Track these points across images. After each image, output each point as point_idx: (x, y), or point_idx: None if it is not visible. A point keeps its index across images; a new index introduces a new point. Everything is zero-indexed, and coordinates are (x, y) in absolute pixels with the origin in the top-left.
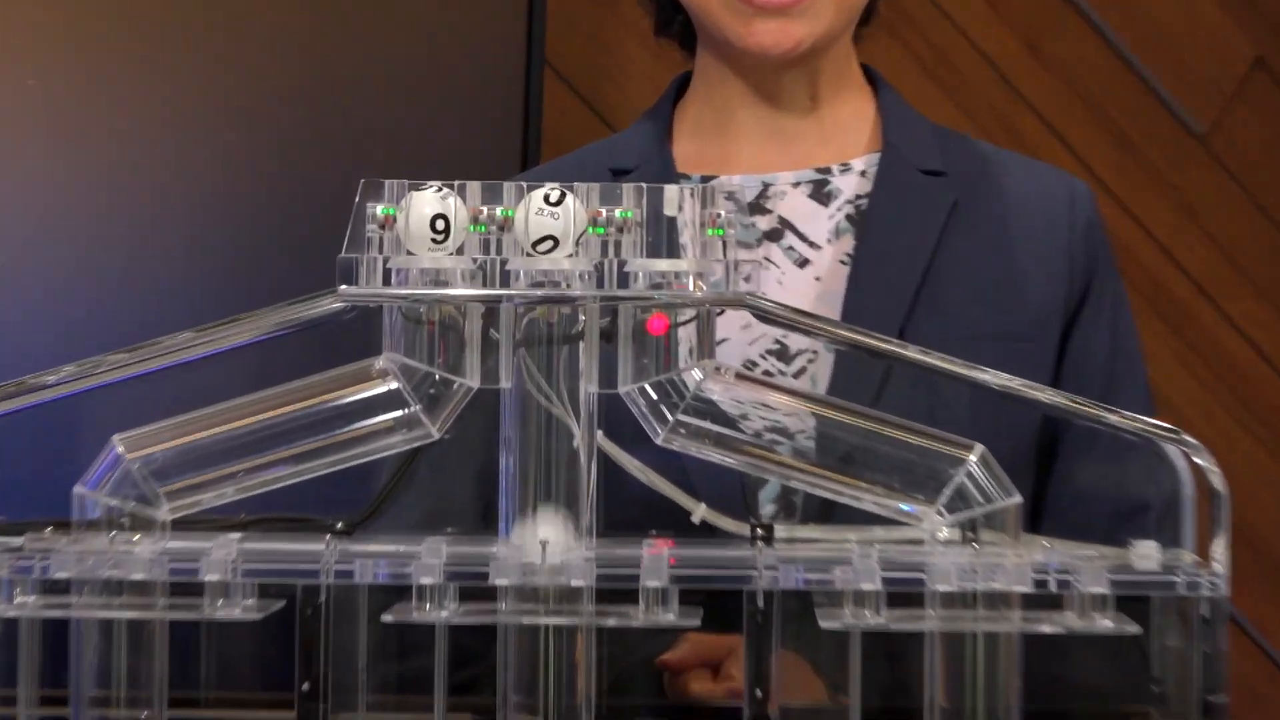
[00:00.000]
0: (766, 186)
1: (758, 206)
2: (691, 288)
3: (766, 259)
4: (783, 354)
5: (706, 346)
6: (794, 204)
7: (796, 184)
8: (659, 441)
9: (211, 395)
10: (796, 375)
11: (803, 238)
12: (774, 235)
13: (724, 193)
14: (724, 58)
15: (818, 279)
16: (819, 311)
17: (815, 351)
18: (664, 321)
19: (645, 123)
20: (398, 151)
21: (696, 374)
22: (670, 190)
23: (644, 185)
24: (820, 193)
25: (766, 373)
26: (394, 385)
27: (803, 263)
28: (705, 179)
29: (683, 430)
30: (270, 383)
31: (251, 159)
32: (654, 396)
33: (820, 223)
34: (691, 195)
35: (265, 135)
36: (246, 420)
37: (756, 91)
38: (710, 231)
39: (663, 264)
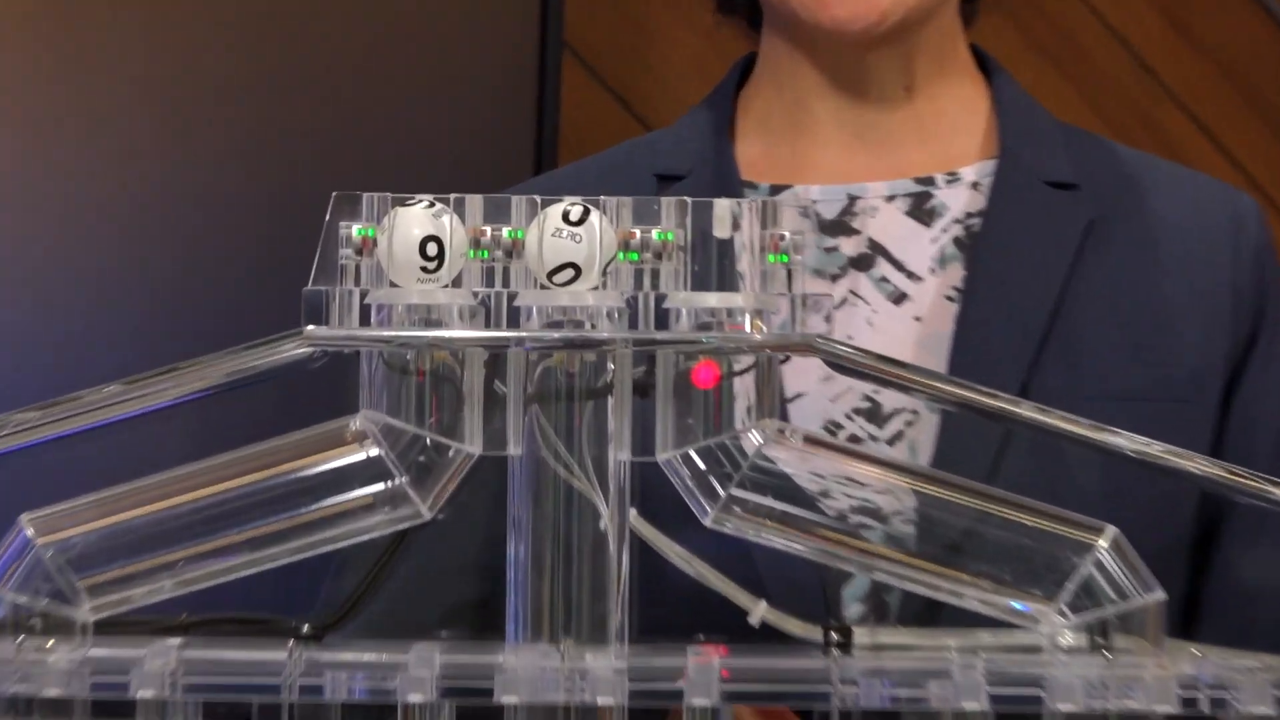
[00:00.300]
0: (853, 200)
1: (842, 225)
2: (749, 328)
3: (852, 293)
4: (874, 414)
5: (768, 403)
6: (888, 223)
7: (891, 197)
8: (708, 522)
9: (145, 463)
10: (892, 441)
11: (899, 266)
12: (863, 263)
13: (797, 207)
14: (794, 39)
15: (918, 319)
16: (919, 360)
17: (915, 411)
18: (714, 371)
19: (700, 116)
20: (383, 152)
21: (755, 437)
22: (721, 206)
23: (688, 200)
24: (921, 209)
25: (854, 437)
26: (374, 451)
27: (899, 298)
28: (775, 189)
29: (738, 508)
30: (219, 447)
31: (232, 157)
32: (701, 466)
33: (921, 247)
34: (750, 211)
35: (245, 133)
36: (188, 495)
37: (836, 80)
38: (772, 258)
39: (712, 299)
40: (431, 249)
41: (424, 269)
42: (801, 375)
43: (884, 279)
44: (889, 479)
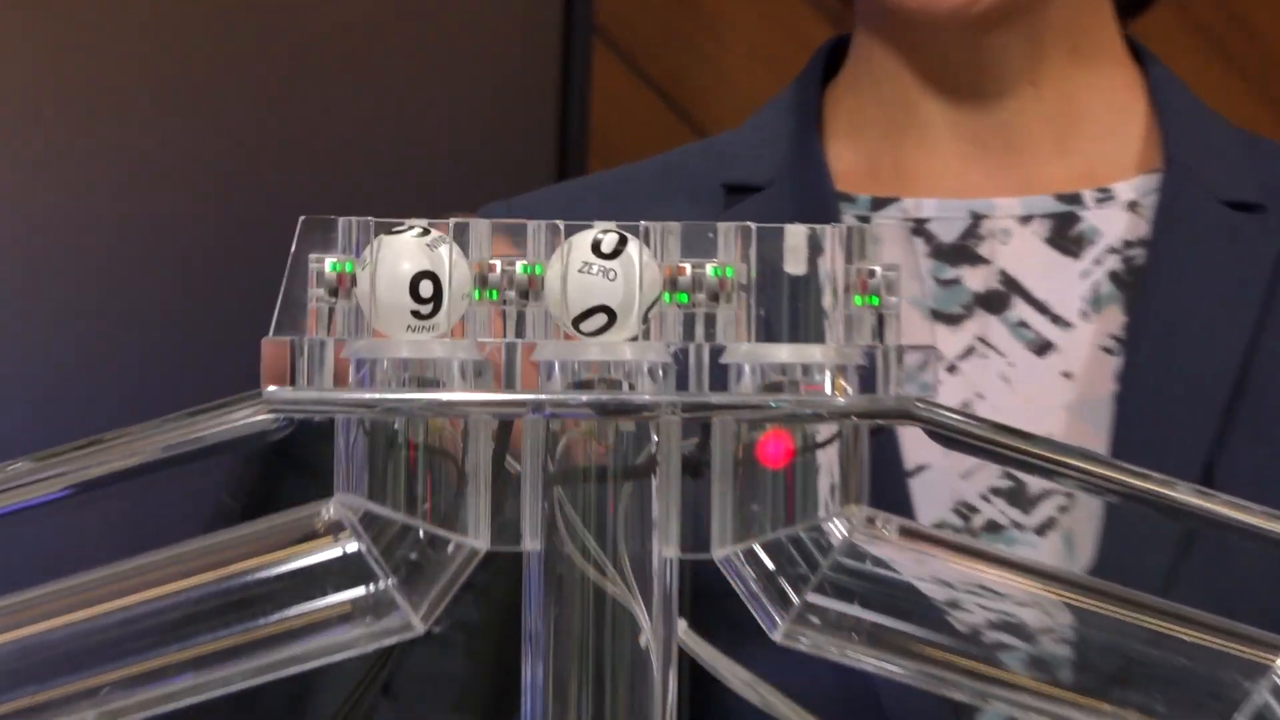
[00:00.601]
0: (977, 220)
1: (965, 252)
2: (830, 389)
3: (981, 340)
4: (1018, 495)
5: (855, 485)
6: (1024, 251)
7: (1026, 218)
8: (777, 637)
9: (65, 559)
10: (1042, 530)
11: (1040, 307)
12: (994, 302)
13: (899, 228)
14: (879, 29)
15: (1067, 375)
16: (1072, 430)
17: (1070, 494)
18: (785, 445)
19: (777, 114)
20: (382, 157)
21: (838, 529)
22: (795, 233)
23: (752, 226)
24: (1065, 235)
25: (992, 524)
26: (352, 546)
27: (1042, 347)
28: (878, 203)
29: (816, 619)
30: (156, 540)
31: (235, 153)
32: (770, 565)
33: (1068, 283)
34: (833, 238)
35: (249, 127)
36: (117, 602)
37: (941, 74)
38: (860, 299)
39: (783, 352)
40: (425, 288)
41: (416, 314)
42: (925, 443)
43: (1022, 323)
44: (1030, 587)
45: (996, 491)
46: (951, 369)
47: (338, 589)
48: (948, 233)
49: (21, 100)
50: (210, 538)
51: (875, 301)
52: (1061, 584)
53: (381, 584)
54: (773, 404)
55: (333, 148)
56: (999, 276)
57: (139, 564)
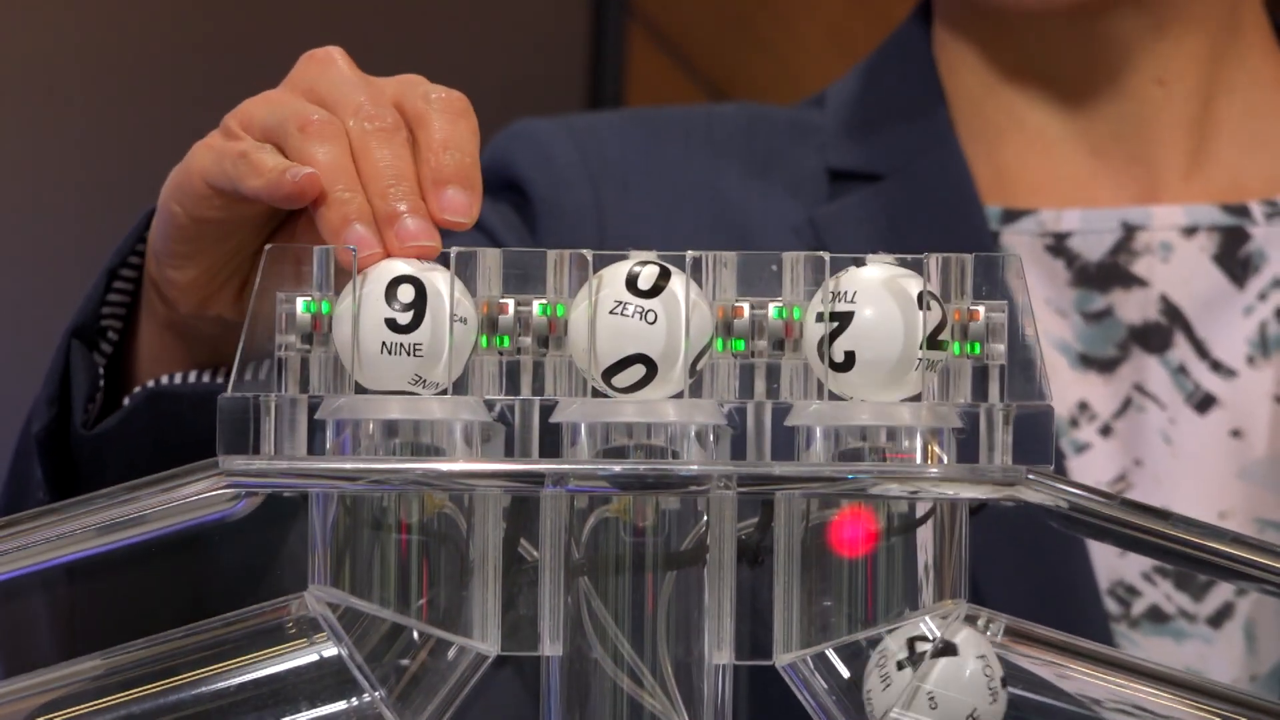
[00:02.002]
0: (1131, 233)
1: (1117, 272)
2: (922, 458)
3: (1139, 389)
4: (1186, 578)
5: (951, 575)
6: (1188, 271)
7: (1190, 230)
8: None
9: None
10: (1217, 621)
11: (1201, 349)
12: (1154, 339)
13: (1046, 240)
14: (959, 21)
15: (1236, 434)
16: (1248, 505)
17: None
18: (866, 526)
19: (882, 86)
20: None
21: (931, 628)
22: (873, 273)
23: (825, 256)
24: (1234, 256)
25: (1156, 611)
26: (330, 650)
27: (1203, 402)
28: (1009, 215)
29: None
30: (90, 641)
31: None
32: (845, 673)
33: (1231, 319)
34: (936, 272)
35: None
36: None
37: (1043, 73)
38: (958, 348)
39: (864, 411)
40: (405, 293)
41: (391, 324)
42: None
43: (1182, 369)
44: (1164, 702)
45: (1162, 571)
46: (1106, 430)
47: (313, 703)
48: (1094, 249)
49: (22, 100)
50: (156, 639)
51: (976, 349)
52: (1230, 704)
53: (367, 697)
54: (850, 476)
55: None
56: (1159, 304)
57: (67, 672)
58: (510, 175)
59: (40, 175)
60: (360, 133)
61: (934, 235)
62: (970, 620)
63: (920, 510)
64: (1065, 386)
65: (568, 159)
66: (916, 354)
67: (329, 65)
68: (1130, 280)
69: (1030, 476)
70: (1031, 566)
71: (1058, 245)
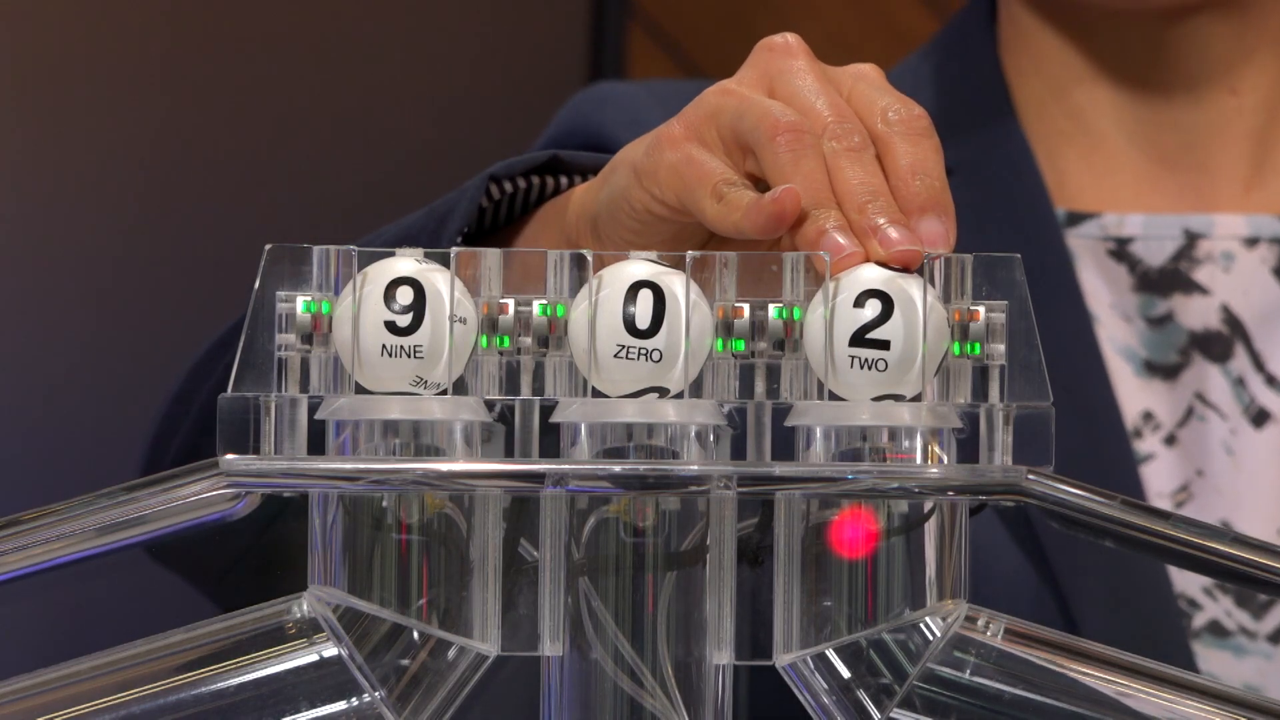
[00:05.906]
0: (1193, 240)
1: (1179, 279)
2: (923, 459)
3: (1200, 398)
4: (1246, 597)
5: (952, 575)
6: (1249, 282)
7: (1253, 241)
8: None
9: None
10: (1276, 639)
11: (1258, 361)
12: (1215, 347)
13: (1108, 244)
14: (1041, 5)
15: None
16: None
17: None
18: (866, 527)
19: (943, 72)
20: (398, 152)
21: (932, 629)
22: (875, 273)
23: (826, 256)
24: None
25: (1216, 626)
26: (330, 651)
27: (1259, 416)
28: (1074, 218)
29: None
30: (87, 642)
31: (248, 136)
32: (846, 674)
33: None
34: (940, 272)
35: (258, 117)
36: None
37: (1112, 66)
38: (959, 348)
39: (864, 412)
40: (404, 294)
41: (390, 326)
42: None
43: (1240, 380)
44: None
45: (1222, 588)
46: (1170, 440)
47: (313, 704)
48: (1156, 255)
49: (21, 100)
50: (156, 639)
51: (976, 350)
52: (1237, 706)
53: (366, 697)
54: (850, 476)
55: (349, 138)
56: (1221, 314)
57: (64, 673)
58: (600, 138)
59: (40, 175)
60: (830, 152)
61: (1005, 232)
62: (969, 620)
63: (920, 510)
64: (1130, 395)
65: (656, 121)
66: (942, 348)
67: (789, 58)
68: (1191, 287)
69: (1030, 477)
70: (1116, 579)
71: (1120, 250)
